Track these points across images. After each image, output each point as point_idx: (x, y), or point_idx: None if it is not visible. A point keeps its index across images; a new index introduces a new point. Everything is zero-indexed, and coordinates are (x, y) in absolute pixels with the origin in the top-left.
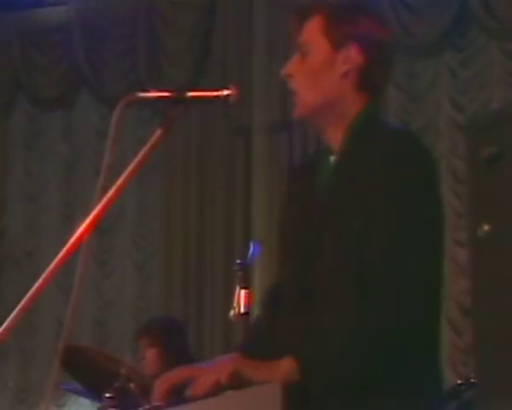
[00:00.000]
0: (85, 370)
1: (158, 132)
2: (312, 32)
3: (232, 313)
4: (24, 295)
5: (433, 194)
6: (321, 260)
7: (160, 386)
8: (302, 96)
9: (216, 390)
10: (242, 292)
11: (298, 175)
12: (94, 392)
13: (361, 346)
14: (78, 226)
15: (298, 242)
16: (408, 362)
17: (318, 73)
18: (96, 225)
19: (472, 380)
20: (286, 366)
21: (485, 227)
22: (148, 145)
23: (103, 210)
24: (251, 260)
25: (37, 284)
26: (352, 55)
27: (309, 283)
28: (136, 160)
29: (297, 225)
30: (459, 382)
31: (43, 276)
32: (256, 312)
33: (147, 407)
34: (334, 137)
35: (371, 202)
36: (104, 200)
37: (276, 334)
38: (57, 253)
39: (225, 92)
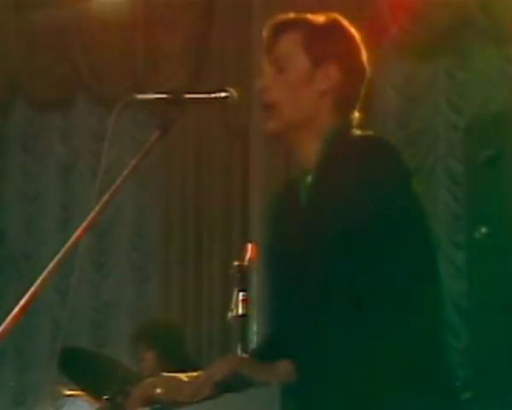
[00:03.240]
0: (83, 372)
1: (155, 134)
2: (291, 46)
3: (230, 315)
4: (22, 297)
5: (412, 193)
6: (306, 286)
7: (137, 394)
8: (279, 110)
9: (215, 391)
10: (240, 294)
11: (281, 201)
12: (92, 394)
13: (358, 353)
14: (76, 228)
15: (285, 269)
16: (411, 369)
17: (297, 88)
18: (94, 227)
19: (469, 381)
20: (284, 367)
21: (483, 229)
22: (146, 147)
23: (101, 212)
24: None
25: (34, 286)
26: (332, 74)
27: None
28: (134, 161)
29: (284, 250)
30: (456, 383)
31: (41, 278)
32: (255, 313)
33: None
34: (307, 156)
35: (351, 213)
36: (102, 202)
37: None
38: (55, 255)
39: (223, 94)
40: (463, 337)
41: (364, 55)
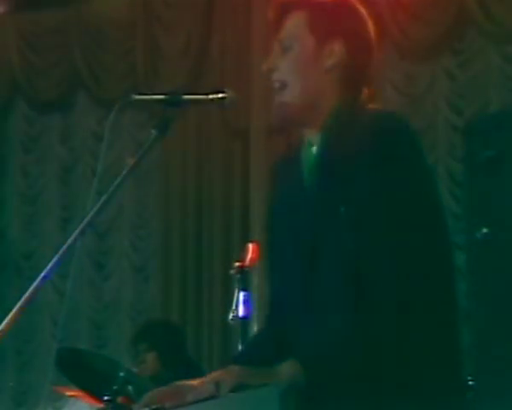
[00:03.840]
0: (83, 373)
1: (155, 135)
2: (296, 27)
3: (231, 315)
4: (21, 297)
5: (428, 171)
6: (316, 272)
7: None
8: (288, 88)
9: (215, 392)
10: (241, 295)
11: (284, 172)
12: (92, 395)
13: (363, 356)
14: (76, 229)
15: (292, 249)
16: (418, 370)
17: (303, 67)
18: (94, 227)
19: (470, 382)
20: (287, 370)
21: (483, 230)
22: (145, 148)
23: (100, 212)
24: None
25: (34, 286)
26: (337, 50)
27: (307, 290)
28: (134, 162)
29: (290, 229)
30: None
31: (41, 278)
32: (255, 314)
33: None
34: (315, 130)
35: (363, 189)
36: (101, 202)
37: (278, 337)
38: (55, 255)
39: (223, 95)
40: (464, 338)
41: (372, 33)
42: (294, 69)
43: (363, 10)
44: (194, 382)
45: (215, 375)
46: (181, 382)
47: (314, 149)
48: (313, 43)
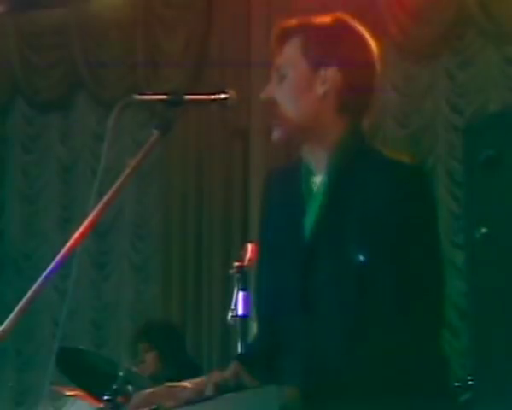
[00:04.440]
0: (83, 372)
1: (155, 135)
2: (291, 53)
3: (230, 315)
4: (22, 297)
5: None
6: (316, 282)
7: (135, 403)
8: (283, 118)
9: (216, 392)
10: (240, 294)
11: (278, 184)
12: (91, 394)
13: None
14: (76, 229)
15: (290, 260)
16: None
17: (297, 94)
18: (94, 228)
19: (469, 382)
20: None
21: (483, 229)
22: (146, 148)
23: (101, 213)
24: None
25: (35, 287)
26: (330, 76)
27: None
28: (134, 162)
29: (287, 240)
30: (456, 384)
31: (41, 278)
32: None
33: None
34: (316, 158)
35: (376, 231)
36: (102, 202)
37: (277, 336)
38: (55, 255)
39: (223, 95)
40: (463, 338)
41: (374, 58)
42: (288, 97)
43: (365, 34)
44: (186, 383)
45: (211, 376)
46: (172, 383)
47: (315, 178)
48: (306, 69)
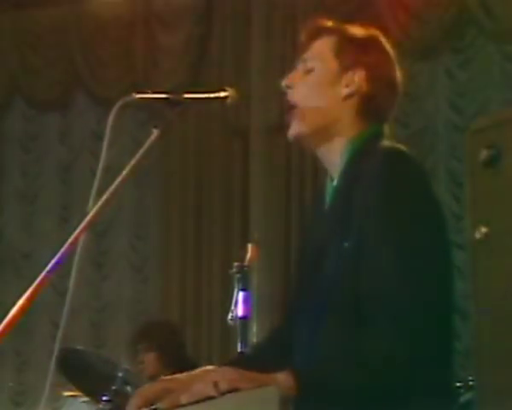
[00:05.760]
0: (82, 373)
1: (155, 134)
2: (322, 50)
3: (230, 315)
4: (20, 297)
5: (431, 205)
6: (321, 281)
7: (135, 401)
8: (302, 109)
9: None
10: (240, 295)
11: (313, 206)
12: (91, 395)
13: (362, 373)
14: (75, 228)
15: (306, 264)
16: (414, 382)
17: (322, 88)
18: (93, 227)
19: (470, 383)
20: (282, 381)
21: (484, 230)
22: (145, 147)
23: (100, 212)
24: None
25: (33, 286)
26: (357, 81)
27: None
28: (133, 161)
29: (309, 249)
30: (458, 385)
31: (40, 278)
32: (255, 314)
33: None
34: (332, 162)
35: (366, 219)
36: (101, 202)
37: (286, 342)
38: (54, 255)
39: (223, 94)
40: (464, 338)
41: (397, 76)
42: (310, 90)
43: (391, 51)
44: (183, 377)
45: (210, 375)
46: (169, 377)
47: (334, 182)
48: (336, 68)
